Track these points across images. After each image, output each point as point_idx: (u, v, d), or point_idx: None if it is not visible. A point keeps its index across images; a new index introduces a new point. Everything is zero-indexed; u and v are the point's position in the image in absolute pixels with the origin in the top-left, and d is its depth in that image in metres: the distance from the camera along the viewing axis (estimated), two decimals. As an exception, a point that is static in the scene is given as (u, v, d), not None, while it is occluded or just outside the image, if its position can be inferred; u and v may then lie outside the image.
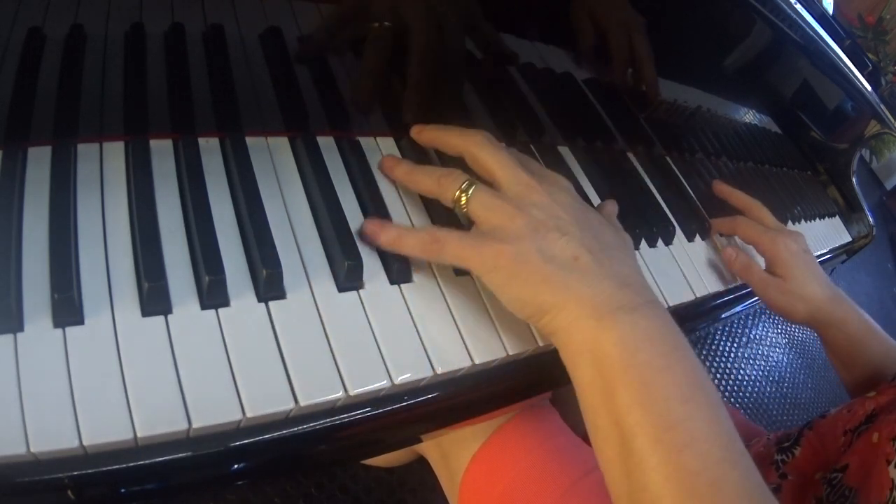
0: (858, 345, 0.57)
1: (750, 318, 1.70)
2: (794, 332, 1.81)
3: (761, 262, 0.60)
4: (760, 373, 1.59)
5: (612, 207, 0.47)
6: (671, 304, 0.51)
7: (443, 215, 0.41)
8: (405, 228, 0.36)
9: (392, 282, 0.37)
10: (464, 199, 0.35)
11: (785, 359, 1.71)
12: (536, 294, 0.32)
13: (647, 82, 0.57)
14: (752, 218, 0.62)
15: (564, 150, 0.56)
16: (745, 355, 1.60)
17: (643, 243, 0.54)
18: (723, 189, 0.66)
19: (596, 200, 0.54)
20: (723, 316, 0.62)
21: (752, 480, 0.28)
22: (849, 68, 0.74)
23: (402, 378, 0.33)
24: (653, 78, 0.57)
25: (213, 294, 0.31)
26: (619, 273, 0.34)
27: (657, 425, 0.29)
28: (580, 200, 0.38)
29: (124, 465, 0.27)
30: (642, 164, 0.63)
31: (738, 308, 0.62)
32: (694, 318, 0.56)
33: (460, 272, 0.40)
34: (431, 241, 0.34)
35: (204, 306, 0.31)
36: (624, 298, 0.33)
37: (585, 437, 0.63)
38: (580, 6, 0.47)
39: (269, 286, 0.32)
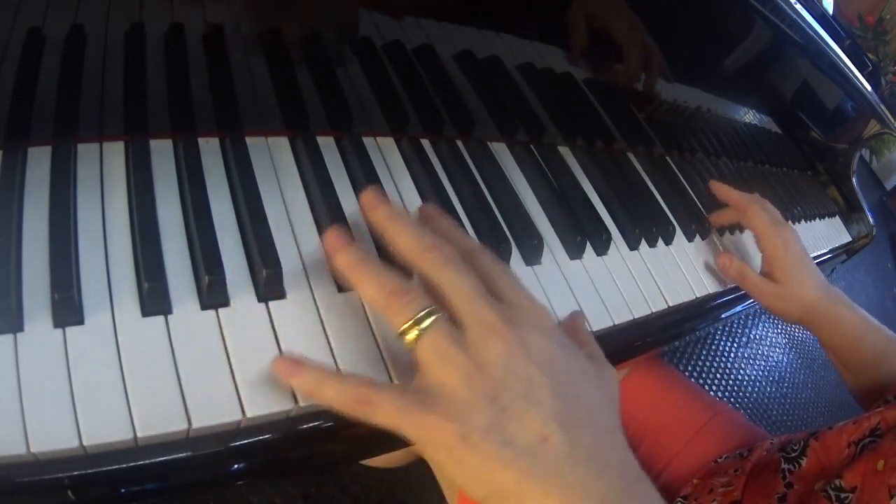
0: (856, 344, 0.56)
1: (750, 318, 1.71)
2: (794, 332, 1.82)
3: (757, 260, 0.60)
4: (760, 373, 1.59)
5: (581, 321, 0.39)
6: (671, 304, 0.51)
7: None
8: (328, 375, 0.28)
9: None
10: (413, 333, 0.28)
11: (785, 359, 1.71)
12: (490, 481, 0.26)
13: (649, 85, 0.57)
14: None
15: (564, 150, 0.56)
16: (745, 355, 1.60)
17: (643, 243, 0.54)
18: (720, 189, 0.62)
19: (596, 200, 0.54)
20: (723, 316, 0.62)
21: None
22: (849, 68, 0.74)
23: (402, 378, 0.33)
24: (655, 81, 0.57)
25: (213, 294, 0.31)
26: (597, 450, 0.27)
27: None
28: (557, 338, 0.30)
29: (124, 465, 0.27)
30: (642, 164, 0.63)
31: (738, 308, 0.63)
32: (694, 318, 0.56)
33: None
34: (358, 400, 0.27)
35: (204, 306, 0.31)
36: (603, 488, 0.26)
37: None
38: (583, 10, 0.47)
39: (269, 286, 0.32)
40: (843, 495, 0.42)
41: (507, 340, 0.28)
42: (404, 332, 0.28)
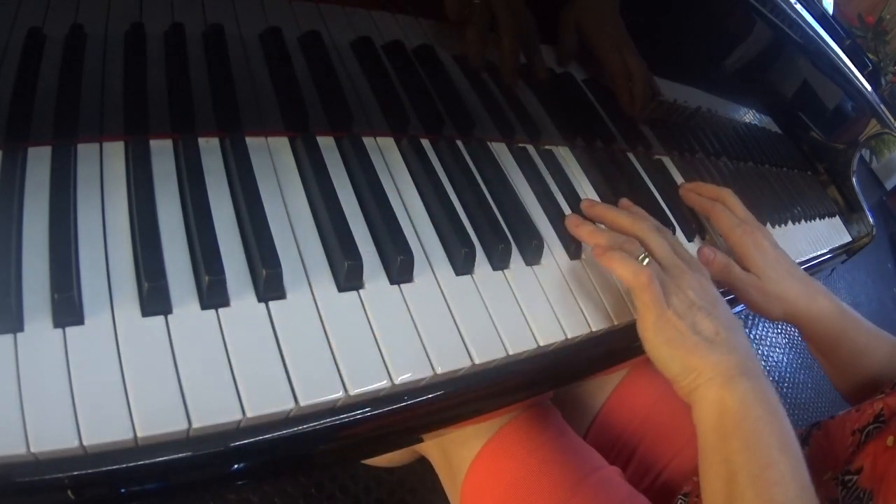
0: (839, 338, 0.55)
1: (750, 318, 1.70)
2: (794, 332, 1.81)
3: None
4: (760, 373, 1.58)
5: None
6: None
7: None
8: (603, 231, 0.46)
9: (392, 282, 0.37)
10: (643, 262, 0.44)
11: (785, 359, 1.71)
12: (686, 358, 0.41)
13: (637, 100, 0.57)
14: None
15: (565, 151, 0.56)
16: (745, 355, 1.60)
17: (643, 243, 0.54)
18: (686, 197, 0.62)
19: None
20: (723, 316, 0.62)
21: None
22: (849, 68, 0.74)
23: (402, 378, 0.33)
24: (643, 97, 0.57)
25: (213, 294, 0.31)
26: (741, 346, 0.43)
27: (758, 464, 0.37)
28: (713, 284, 0.46)
29: (124, 465, 0.27)
30: (642, 165, 0.63)
31: (738, 308, 0.62)
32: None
33: (461, 272, 0.40)
34: (637, 275, 0.42)
35: (204, 306, 0.31)
36: (744, 367, 0.41)
37: (586, 438, 0.64)
38: (571, 23, 0.48)
39: (269, 286, 0.32)
40: (846, 478, 0.43)
41: (691, 278, 0.44)
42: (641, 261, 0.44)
